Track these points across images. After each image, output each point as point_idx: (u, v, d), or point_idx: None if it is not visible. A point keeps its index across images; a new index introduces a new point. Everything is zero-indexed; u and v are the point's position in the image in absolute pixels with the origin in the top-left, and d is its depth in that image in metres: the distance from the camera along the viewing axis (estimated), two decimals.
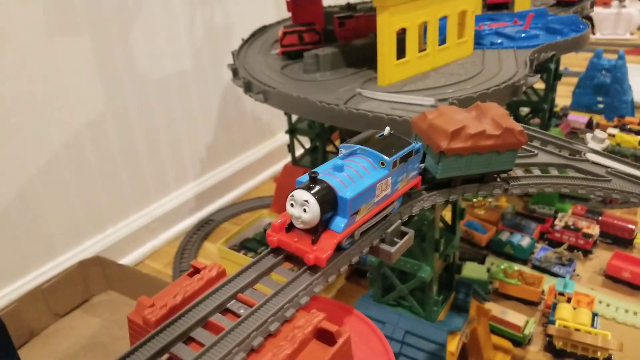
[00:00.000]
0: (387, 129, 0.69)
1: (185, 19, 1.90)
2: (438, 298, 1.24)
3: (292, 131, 1.88)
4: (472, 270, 1.64)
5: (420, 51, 1.20)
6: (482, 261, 1.72)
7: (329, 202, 0.58)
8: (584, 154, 0.87)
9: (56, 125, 1.58)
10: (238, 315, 0.53)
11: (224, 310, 0.54)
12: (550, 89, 1.89)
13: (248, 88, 1.26)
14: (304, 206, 0.57)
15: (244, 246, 1.83)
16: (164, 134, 1.92)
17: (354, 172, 0.62)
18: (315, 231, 0.58)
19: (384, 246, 0.67)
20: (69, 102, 1.60)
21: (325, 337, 0.52)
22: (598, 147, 0.88)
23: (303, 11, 1.52)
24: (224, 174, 2.20)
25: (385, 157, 0.63)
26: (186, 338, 0.50)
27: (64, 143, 1.61)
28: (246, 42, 1.61)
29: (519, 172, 0.83)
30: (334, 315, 0.53)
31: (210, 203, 2.14)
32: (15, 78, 1.46)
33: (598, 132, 0.89)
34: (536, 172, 0.84)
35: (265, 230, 1.93)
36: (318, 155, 1.91)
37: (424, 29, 1.20)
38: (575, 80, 2.59)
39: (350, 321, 0.64)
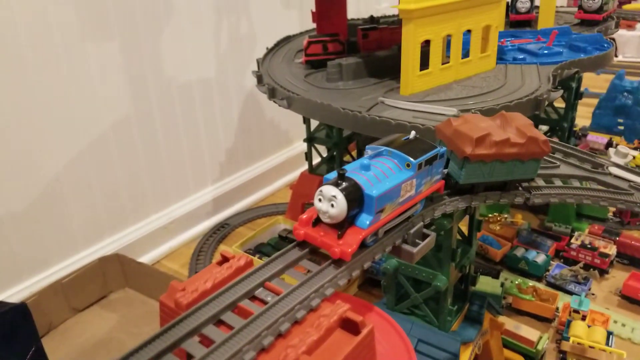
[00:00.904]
0: (413, 132, 0.71)
1: (212, 27, 1.95)
2: (452, 308, 1.24)
3: (311, 140, 1.90)
4: (485, 284, 1.64)
5: (443, 64, 1.22)
6: (496, 276, 1.72)
7: (356, 198, 0.60)
8: (607, 168, 0.88)
9: (83, 124, 1.63)
10: (265, 302, 0.55)
11: (252, 297, 0.56)
12: (571, 107, 1.89)
13: (272, 94, 1.29)
14: (331, 201, 0.59)
15: (259, 251, 1.85)
16: (185, 138, 1.96)
17: (380, 172, 0.64)
18: (342, 226, 0.60)
19: (406, 246, 0.68)
20: (97, 103, 1.65)
21: (349, 326, 0.53)
22: (621, 161, 0.89)
23: (327, 22, 1.56)
24: (242, 179, 2.23)
25: (411, 159, 0.65)
26: (216, 321, 0.52)
27: (90, 142, 1.66)
28: (270, 51, 1.65)
29: (540, 182, 0.84)
30: (356, 310, 0.55)
31: (227, 207, 2.17)
32: (49, 78, 1.51)
33: (621, 147, 0.91)
34: (558, 182, 0.85)
35: (279, 236, 1.95)
36: (335, 164, 1.93)
37: (447, 42, 1.23)
38: (595, 101, 2.59)
39: (371, 317, 0.65)
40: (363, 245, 0.62)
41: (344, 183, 0.59)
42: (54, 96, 1.54)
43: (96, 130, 1.67)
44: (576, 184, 0.86)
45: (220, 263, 0.62)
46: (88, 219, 1.71)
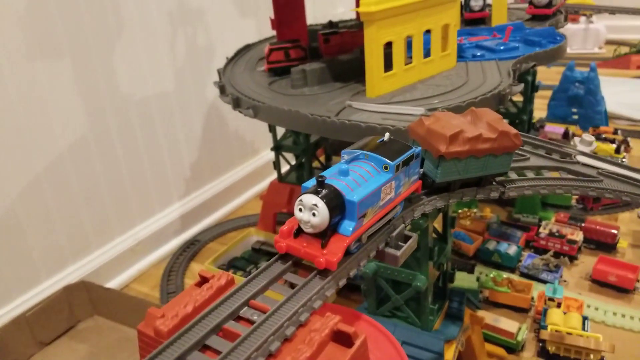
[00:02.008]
0: (387, 134, 0.70)
1: (167, 40, 1.90)
2: (434, 307, 1.24)
3: (278, 148, 1.88)
4: (462, 279, 1.66)
5: (406, 64, 1.22)
6: (471, 271, 1.73)
7: (337, 205, 0.58)
8: (574, 157, 0.90)
9: (37, 148, 1.55)
10: (252, 322, 0.52)
11: (237, 317, 0.53)
12: (528, 100, 1.94)
13: (237, 104, 1.27)
14: (312, 210, 0.57)
15: (233, 265, 1.81)
16: (146, 155, 1.89)
17: (359, 176, 0.62)
18: (324, 235, 0.58)
19: (390, 250, 0.67)
20: (50, 125, 1.57)
21: (342, 339, 0.51)
22: (587, 149, 0.91)
23: (287, 29, 1.54)
24: (209, 193, 2.18)
25: (389, 161, 0.64)
26: (202, 346, 0.49)
27: (46, 166, 1.58)
28: (231, 61, 1.62)
29: (513, 175, 0.85)
30: (344, 320, 0.53)
31: (196, 223, 2.12)
32: None
33: (586, 136, 0.93)
34: (530, 175, 0.86)
35: (253, 249, 1.92)
36: (304, 171, 1.91)
37: (408, 43, 1.23)
38: (549, 93, 2.67)
39: (361, 325, 0.64)
40: (347, 253, 0.61)
41: (323, 190, 0.58)
42: (2, 120, 1.45)
43: (51, 153, 1.59)
44: (547, 174, 0.87)
45: (199, 284, 0.59)
46: (49, 246, 1.63)
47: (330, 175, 0.61)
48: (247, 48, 1.71)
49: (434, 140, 0.73)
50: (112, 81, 1.72)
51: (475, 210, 1.99)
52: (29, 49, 1.48)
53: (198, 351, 0.49)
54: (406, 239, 0.70)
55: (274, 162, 1.91)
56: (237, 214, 2.25)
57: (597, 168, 0.88)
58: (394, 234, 0.67)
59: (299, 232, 0.60)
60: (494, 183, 0.82)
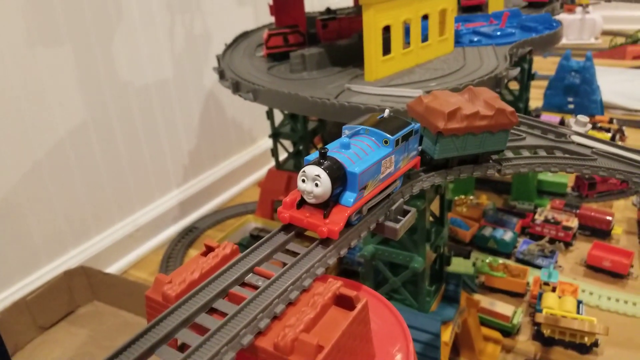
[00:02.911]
0: (387, 110, 0.72)
1: (165, 27, 1.91)
2: (430, 288, 1.26)
3: (276, 135, 1.89)
4: (458, 265, 1.68)
5: (404, 49, 1.23)
6: (467, 256, 1.75)
7: (339, 176, 0.59)
8: (569, 137, 0.91)
9: (38, 134, 1.56)
10: (257, 287, 0.53)
11: (242, 283, 0.55)
12: (525, 88, 1.96)
13: (237, 88, 1.28)
14: (315, 181, 0.58)
15: None
16: (145, 142, 1.90)
17: (360, 150, 0.64)
18: (326, 205, 0.60)
19: (389, 223, 0.68)
20: (50, 111, 1.58)
21: (344, 302, 0.53)
22: (582, 130, 0.93)
23: (286, 15, 1.55)
24: (207, 181, 2.19)
25: (389, 135, 0.65)
26: (209, 309, 0.51)
27: (46, 152, 1.58)
28: (229, 47, 1.62)
29: (509, 154, 0.86)
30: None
31: (194, 210, 2.13)
32: None
33: (580, 117, 0.94)
34: (526, 153, 0.87)
35: (251, 235, 1.93)
36: (301, 159, 1.92)
37: (406, 29, 1.25)
38: (545, 83, 2.69)
39: (362, 294, 0.65)
40: (348, 224, 0.62)
41: (326, 162, 0.59)
42: (3, 106, 1.46)
43: (51, 139, 1.59)
44: (542, 153, 0.88)
45: (204, 254, 0.60)
46: (49, 231, 1.64)
47: (332, 149, 0.63)
48: (245, 35, 1.72)
49: (433, 117, 0.74)
50: (111, 68, 1.73)
51: (471, 197, 2.01)
52: (30, 37, 1.48)
53: (205, 313, 0.50)
54: (405, 213, 0.71)
55: (271, 150, 1.92)
56: (235, 202, 2.26)
57: (592, 147, 0.90)
58: (394, 207, 0.69)
59: (301, 203, 0.61)
60: (490, 161, 0.83)
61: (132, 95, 1.82)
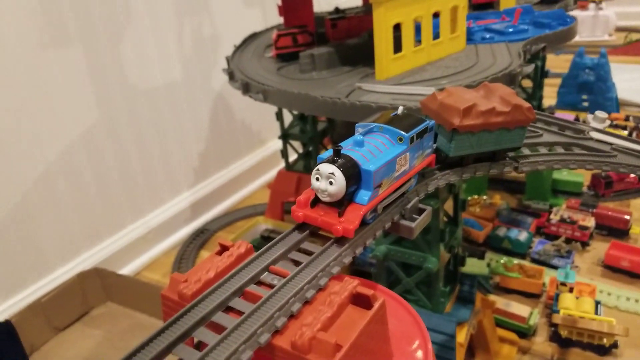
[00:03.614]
0: (401, 108, 0.71)
1: (174, 30, 1.91)
2: (445, 289, 1.25)
3: (285, 136, 1.88)
4: (472, 266, 1.66)
5: (415, 47, 1.22)
6: (481, 257, 1.73)
7: (354, 174, 0.58)
8: (588, 133, 0.89)
9: (49, 137, 1.57)
10: (272, 286, 0.53)
11: (258, 282, 0.54)
12: (538, 86, 1.94)
13: (246, 89, 1.27)
14: (329, 179, 0.57)
15: None
16: (155, 145, 1.91)
17: (374, 148, 0.63)
18: (341, 204, 0.59)
19: (405, 222, 0.67)
20: (61, 113, 1.59)
21: (361, 301, 0.52)
22: (600, 126, 0.91)
23: (294, 15, 1.55)
24: (217, 183, 2.19)
25: (403, 133, 0.64)
26: (225, 307, 0.50)
27: (58, 155, 1.59)
28: (238, 48, 1.62)
29: (526, 151, 0.85)
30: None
31: (205, 212, 2.13)
32: (8, 90, 1.45)
33: (599, 112, 0.92)
34: (543, 150, 0.86)
35: (262, 237, 1.93)
36: (311, 160, 1.92)
37: (417, 28, 1.23)
38: (558, 81, 2.66)
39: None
40: (363, 223, 0.61)
41: (340, 159, 0.58)
42: (14, 108, 1.47)
43: (62, 141, 1.60)
44: (560, 150, 0.87)
45: (219, 253, 0.59)
46: (62, 234, 1.65)
47: (346, 146, 0.62)
48: (254, 36, 1.72)
49: (448, 114, 0.73)
50: (121, 71, 1.74)
51: (484, 197, 1.99)
52: (41, 39, 1.49)
53: (222, 312, 0.50)
54: (420, 212, 0.70)
55: (281, 151, 1.91)
56: (245, 203, 2.26)
57: (611, 144, 0.88)
58: (409, 206, 0.68)
59: (315, 201, 0.61)
60: (507, 158, 0.82)
61: (142, 97, 1.82)
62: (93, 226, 1.74)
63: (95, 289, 1.62)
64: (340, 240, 0.59)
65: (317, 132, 1.83)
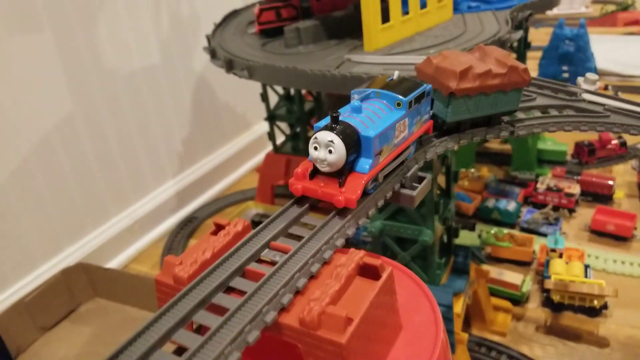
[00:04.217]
0: (397, 72, 0.68)
1: (150, 10, 1.84)
2: (441, 261, 1.24)
3: (271, 118, 1.84)
4: (464, 237, 1.64)
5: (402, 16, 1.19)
6: (472, 229, 1.73)
7: (354, 141, 0.56)
8: (580, 95, 0.88)
9: (23, 128, 1.50)
10: (274, 263, 0.50)
11: (258, 260, 0.51)
12: (521, 57, 1.92)
13: (230, 66, 1.23)
14: (329, 147, 0.54)
15: None
16: (137, 132, 1.85)
17: (372, 114, 0.60)
18: (341, 174, 0.56)
19: (405, 191, 0.65)
20: (34, 102, 1.52)
21: (369, 272, 0.50)
22: (591, 87, 0.90)
23: None
24: (204, 169, 2.15)
25: (401, 97, 0.62)
26: (226, 288, 0.47)
27: (33, 147, 1.53)
28: (219, 26, 1.57)
29: (521, 115, 0.83)
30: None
31: (192, 200, 2.09)
32: None
33: (590, 75, 0.91)
34: (537, 114, 0.84)
35: (252, 222, 1.90)
36: (299, 141, 1.88)
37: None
38: (539, 54, 2.65)
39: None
40: (364, 193, 0.59)
41: (338, 126, 0.55)
42: None
43: (37, 132, 1.54)
44: (554, 113, 0.85)
45: (214, 232, 0.56)
46: (43, 229, 1.59)
47: (344, 113, 0.59)
48: (235, 13, 1.66)
49: (444, 78, 0.71)
50: (96, 56, 1.67)
51: (472, 170, 1.99)
52: (6, 24, 1.42)
53: (222, 293, 0.47)
54: (420, 180, 0.68)
55: (268, 133, 1.87)
56: (233, 189, 2.22)
57: (603, 104, 0.87)
58: (409, 174, 0.66)
59: (314, 173, 0.58)
60: (502, 123, 0.80)
61: (120, 83, 1.76)
62: (75, 220, 1.68)
63: (82, 284, 1.58)
64: (342, 212, 0.57)
65: (304, 112, 1.79)
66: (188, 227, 1.97)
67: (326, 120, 0.57)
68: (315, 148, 0.55)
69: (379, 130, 0.57)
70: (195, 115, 2.08)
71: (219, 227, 0.57)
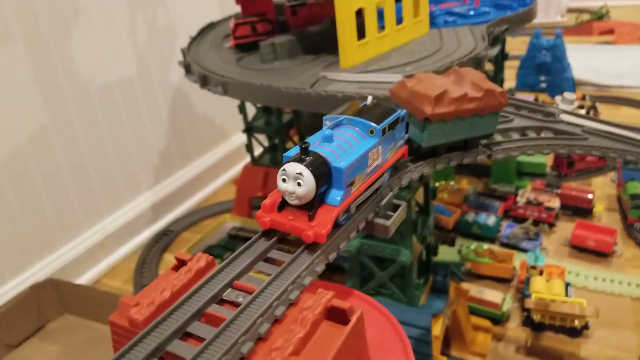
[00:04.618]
0: (370, 97, 0.66)
1: (125, 22, 1.80)
2: (419, 281, 1.22)
3: (249, 129, 1.81)
4: (443, 253, 1.64)
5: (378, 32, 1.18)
6: (451, 243, 1.72)
7: (324, 173, 0.53)
8: (558, 116, 0.87)
9: None
10: (237, 304, 0.47)
11: (220, 301, 0.48)
12: (499, 69, 1.92)
13: (205, 82, 1.20)
14: (297, 179, 0.52)
15: (209, 254, 1.75)
16: (111, 143, 1.80)
17: (344, 142, 0.58)
18: (311, 206, 0.54)
19: (380, 220, 0.63)
20: (6, 115, 1.47)
21: (336, 316, 0.47)
22: (568, 107, 0.89)
23: (252, 3, 1.47)
24: (180, 181, 2.10)
25: (374, 124, 0.60)
26: (183, 334, 0.44)
27: (4, 160, 1.48)
28: (195, 39, 1.54)
29: (498, 137, 0.82)
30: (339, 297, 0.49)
31: (168, 213, 2.04)
32: None
33: (567, 94, 0.90)
34: (515, 136, 0.83)
35: (229, 235, 1.86)
36: (278, 153, 1.85)
37: (379, 14, 1.19)
38: (516, 63, 2.67)
39: (354, 301, 0.60)
40: (336, 225, 0.56)
41: (308, 157, 0.53)
42: None
43: (8, 145, 1.48)
44: (532, 135, 0.84)
45: (176, 268, 0.53)
46: (12, 244, 1.53)
47: (314, 142, 0.57)
48: (211, 26, 1.63)
49: (419, 103, 0.69)
50: (70, 68, 1.62)
51: (452, 182, 1.98)
52: None
53: (179, 339, 0.44)
54: (395, 208, 0.66)
55: (246, 145, 1.84)
56: (210, 201, 2.18)
57: (581, 126, 0.86)
58: (383, 203, 0.63)
59: (283, 205, 0.55)
60: (479, 146, 0.78)
61: (94, 95, 1.71)
62: (46, 234, 1.63)
63: (51, 301, 1.52)
64: (312, 246, 0.54)
65: (282, 124, 1.76)
66: (163, 241, 1.92)
67: (295, 150, 0.55)
68: (284, 180, 0.53)
69: (350, 160, 0.55)
70: (171, 126, 2.04)
71: (180, 263, 0.54)
